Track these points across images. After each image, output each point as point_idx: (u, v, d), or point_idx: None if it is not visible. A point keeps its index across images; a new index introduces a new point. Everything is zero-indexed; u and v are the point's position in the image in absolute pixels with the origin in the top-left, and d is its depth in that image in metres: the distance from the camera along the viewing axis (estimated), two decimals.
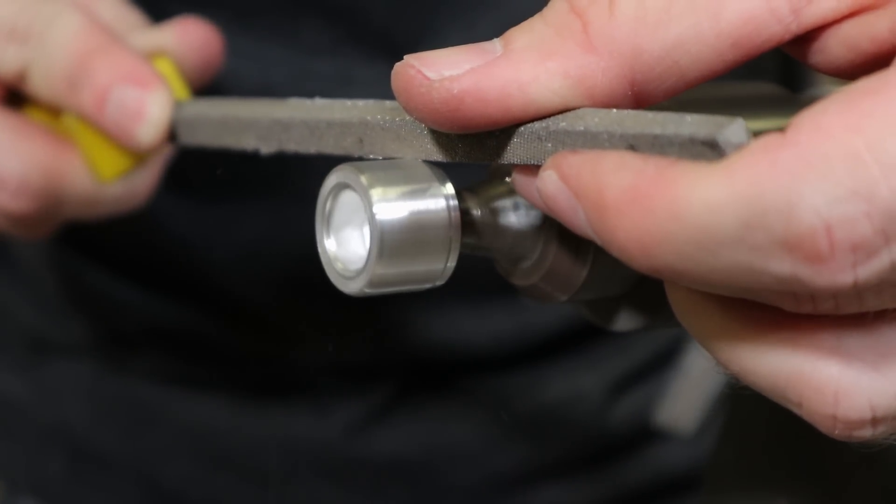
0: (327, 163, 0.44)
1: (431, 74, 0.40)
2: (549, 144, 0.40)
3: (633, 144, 0.38)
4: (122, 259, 0.79)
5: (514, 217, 0.43)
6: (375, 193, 0.41)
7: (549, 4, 0.40)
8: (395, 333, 0.77)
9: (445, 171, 0.42)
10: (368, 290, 0.41)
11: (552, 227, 0.43)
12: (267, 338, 0.78)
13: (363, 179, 0.41)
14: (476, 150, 0.42)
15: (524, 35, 0.40)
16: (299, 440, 0.79)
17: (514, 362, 0.78)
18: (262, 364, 0.79)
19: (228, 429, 0.79)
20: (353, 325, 0.77)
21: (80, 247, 0.79)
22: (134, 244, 0.78)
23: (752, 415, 0.61)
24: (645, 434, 0.81)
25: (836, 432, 0.38)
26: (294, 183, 0.73)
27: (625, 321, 0.46)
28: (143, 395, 0.80)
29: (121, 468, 0.81)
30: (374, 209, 0.41)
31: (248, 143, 0.51)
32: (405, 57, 0.40)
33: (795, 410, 0.39)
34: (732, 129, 0.36)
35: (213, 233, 0.76)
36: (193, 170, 0.73)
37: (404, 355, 0.77)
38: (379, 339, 0.77)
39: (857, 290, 0.36)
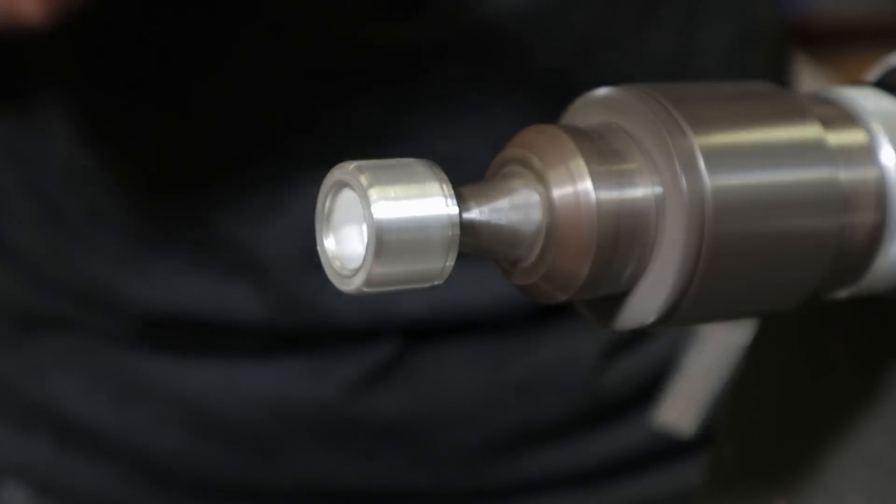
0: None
1: None
2: None
3: None
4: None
5: (514, 217, 0.43)
6: (374, 192, 0.41)
7: None
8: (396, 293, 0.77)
9: (445, 171, 0.42)
10: (366, 289, 0.41)
11: (552, 227, 0.43)
12: (262, 300, 0.78)
13: (362, 178, 0.41)
14: None
15: None
16: (296, 403, 0.79)
17: (511, 325, 0.79)
18: (257, 327, 0.79)
19: (222, 395, 0.79)
20: None
21: (67, 216, 0.79)
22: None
23: (753, 415, 0.61)
24: (638, 398, 0.82)
25: None
26: (298, 145, 0.73)
27: (625, 320, 0.46)
28: (133, 366, 0.80)
29: (109, 443, 0.81)
30: (373, 208, 0.41)
31: None
32: None
33: None
34: None
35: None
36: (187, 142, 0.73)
37: (404, 316, 0.77)
38: (379, 299, 0.77)
39: None
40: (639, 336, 0.81)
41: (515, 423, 0.80)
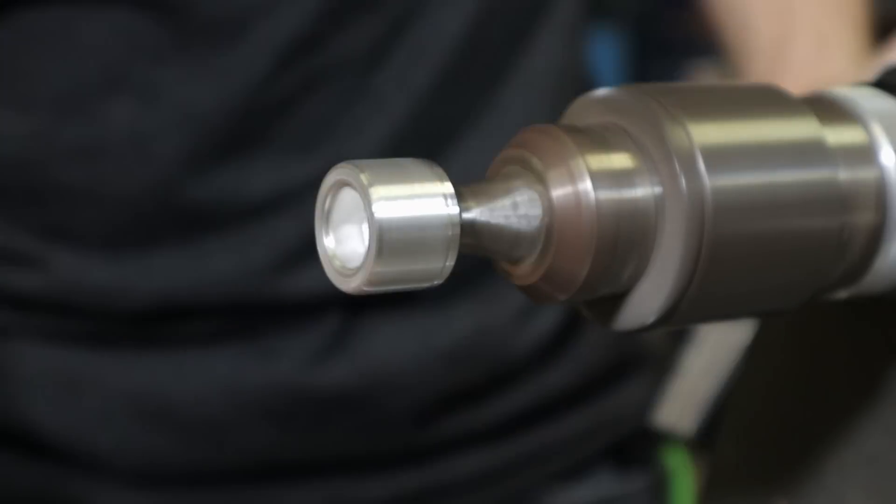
0: None
1: None
2: None
3: None
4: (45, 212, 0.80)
5: (514, 217, 0.43)
6: (375, 192, 0.41)
7: None
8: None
9: (445, 170, 0.42)
10: (367, 289, 0.41)
11: (552, 227, 0.43)
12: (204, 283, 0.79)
13: (363, 178, 0.41)
14: None
15: None
16: (246, 386, 0.81)
17: (432, 304, 0.83)
18: (204, 313, 0.80)
19: (170, 385, 0.80)
20: (294, 263, 0.80)
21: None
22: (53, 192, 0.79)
23: (753, 414, 0.61)
24: (542, 358, 0.88)
25: None
26: (274, 130, 0.77)
27: (625, 320, 0.46)
28: (76, 364, 0.81)
29: (46, 441, 0.81)
30: (374, 208, 0.41)
31: None
32: None
33: None
34: None
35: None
36: None
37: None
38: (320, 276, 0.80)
39: None
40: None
41: (439, 389, 0.84)
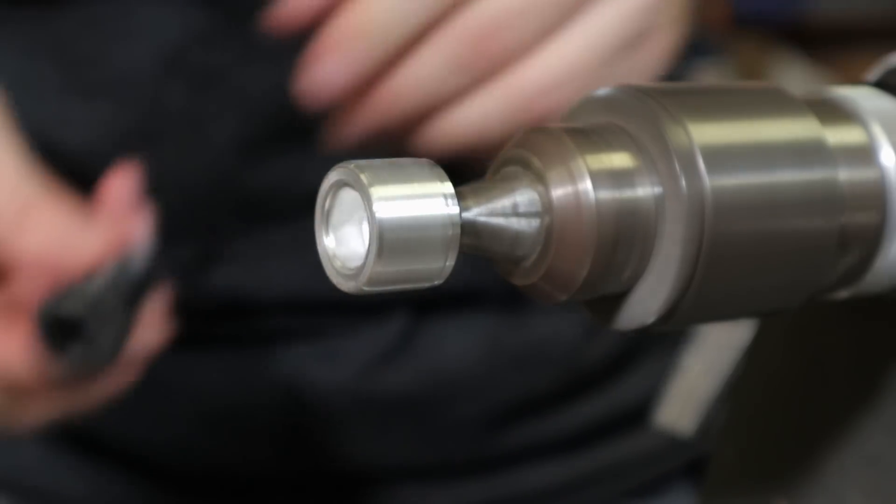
0: None
1: None
2: None
3: None
4: None
5: (514, 217, 0.43)
6: (375, 192, 0.41)
7: None
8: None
9: (445, 171, 0.42)
10: (367, 289, 0.41)
11: (552, 227, 0.43)
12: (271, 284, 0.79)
13: (363, 177, 0.41)
14: None
15: None
16: (310, 388, 0.80)
17: (502, 300, 0.81)
18: (266, 309, 0.79)
19: (232, 385, 0.79)
20: None
21: None
22: None
23: (753, 415, 0.61)
24: (611, 370, 0.86)
25: None
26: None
27: (625, 320, 0.46)
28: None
29: (105, 443, 0.81)
30: (374, 207, 0.41)
31: None
32: None
33: None
34: None
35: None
36: None
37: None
38: None
39: None
40: None
41: (508, 396, 0.82)
